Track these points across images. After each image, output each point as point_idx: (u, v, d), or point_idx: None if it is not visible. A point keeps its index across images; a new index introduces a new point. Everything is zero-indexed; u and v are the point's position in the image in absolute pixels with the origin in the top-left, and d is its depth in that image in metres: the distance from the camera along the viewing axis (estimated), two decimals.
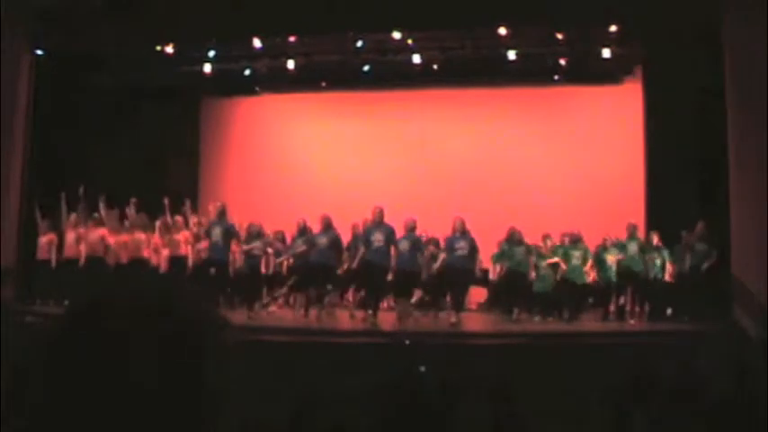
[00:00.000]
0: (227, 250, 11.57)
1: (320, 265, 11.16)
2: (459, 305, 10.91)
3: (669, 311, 11.11)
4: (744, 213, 10.24)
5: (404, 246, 10.73)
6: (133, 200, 12.37)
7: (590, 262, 11.53)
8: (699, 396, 4.42)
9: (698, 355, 7.55)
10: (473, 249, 10.84)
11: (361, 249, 10.90)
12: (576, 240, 11.67)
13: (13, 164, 12.26)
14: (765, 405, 3.93)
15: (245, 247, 11.69)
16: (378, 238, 10.60)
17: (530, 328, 10.71)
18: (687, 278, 11.24)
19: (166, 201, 12.22)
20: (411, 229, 10.92)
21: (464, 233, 10.88)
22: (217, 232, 11.40)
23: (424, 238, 11.53)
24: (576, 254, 11.55)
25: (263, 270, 12.05)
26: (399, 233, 11.04)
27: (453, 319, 10.57)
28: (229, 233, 11.44)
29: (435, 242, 11.77)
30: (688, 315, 10.91)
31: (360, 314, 11.24)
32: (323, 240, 11.14)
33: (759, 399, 4.07)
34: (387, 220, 11.12)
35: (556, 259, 11.60)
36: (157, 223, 12.20)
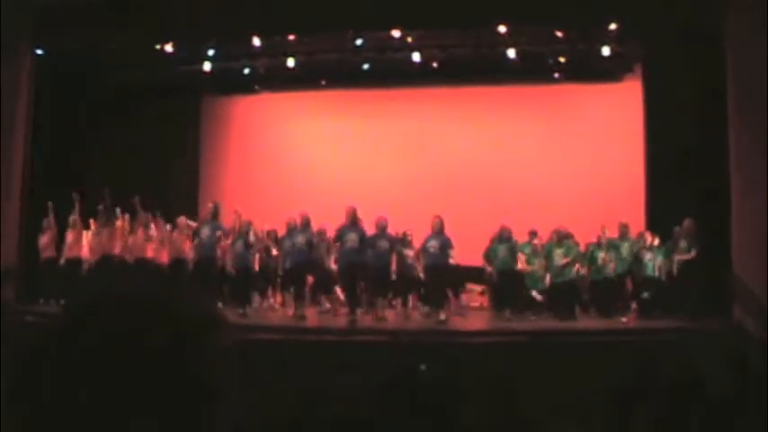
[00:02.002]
0: (215, 249, 11.65)
1: (301, 264, 11.26)
2: (438, 301, 11.09)
3: (674, 312, 11.08)
4: (744, 212, 10.24)
5: (383, 245, 10.90)
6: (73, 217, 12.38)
7: (578, 259, 11.57)
8: (699, 395, 4.42)
9: (698, 354, 7.55)
10: (444, 247, 10.95)
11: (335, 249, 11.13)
12: (562, 237, 11.67)
13: (14, 163, 12.26)
14: (765, 405, 3.93)
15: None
16: (352, 238, 10.72)
17: (530, 327, 10.72)
18: (676, 276, 11.26)
19: (136, 199, 12.14)
20: (383, 228, 11.04)
21: (440, 233, 10.99)
22: (206, 231, 11.52)
23: (409, 236, 11.68)
24: (559, 251, 11.56)
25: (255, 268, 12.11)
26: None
27: (442, 317, 10.81)
28: (217, 233, 11.56)
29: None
30: (681, 312, 10.93)
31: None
32: (300, 239, 11.21)
33: (759, 398, 4.07)
34: (387, 218, 11.17)
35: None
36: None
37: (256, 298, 12.66)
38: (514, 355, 8.43)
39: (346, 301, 11.20)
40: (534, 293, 11.85)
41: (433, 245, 10.96)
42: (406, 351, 8.47)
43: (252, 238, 11.90)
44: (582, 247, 11.92)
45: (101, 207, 12.27)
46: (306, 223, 11.32)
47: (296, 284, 11.42)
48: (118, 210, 12.33)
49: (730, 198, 10.53)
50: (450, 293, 12.07)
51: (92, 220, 12.50)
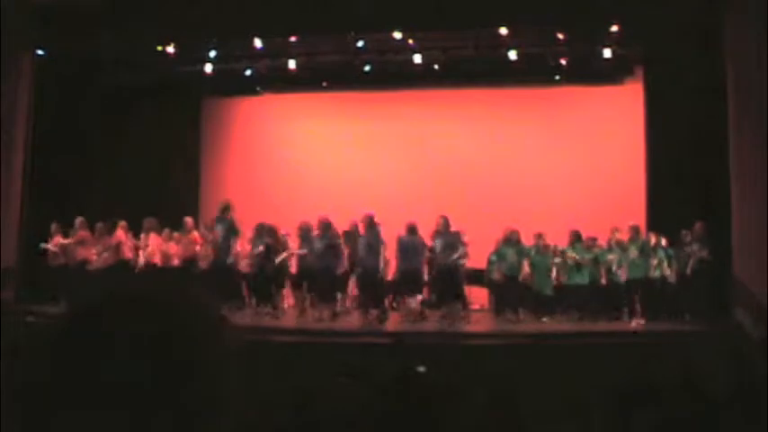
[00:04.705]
0: (230, 249, 11.64)
1: (319, 269, 11.21)
2: (450, 300, 10.99)
3: (681, 314, 11.09)
4: (744, 213, 10.24)
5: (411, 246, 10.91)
6: (79, 219, 12.45)
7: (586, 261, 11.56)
8: (700, 396, 4.42)
9: (699, 356, 7.55)
10: (448, 246, 10.90)
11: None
12: (573, 241, 11.67)
13: (14, 164, 12.26)
14: (766, 405, 3.93)
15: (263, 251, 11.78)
16: (362, 243, 10.75)
17: (531, 329, 10.72)
18: (685, 278, 11.26)
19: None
20: (413, 231, 11.00)
21: (446, 231, 10.95)
22: (219, 230, 11.50)
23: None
24: (570, 254, 11.57)
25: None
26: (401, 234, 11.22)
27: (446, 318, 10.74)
28: (231, 231, 11.53)
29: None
30: (687, 315, 10.94)
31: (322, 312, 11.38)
32: (320, 245, 11.17)
33: (760, 399, 4.07)
34: (387, 219, 11.16)
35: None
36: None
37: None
38: (517, 357, 8.43)
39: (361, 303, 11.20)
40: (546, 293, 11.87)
41: (439, 245, 10.92)
42: (408, 353, 8.47)
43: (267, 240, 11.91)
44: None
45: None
46: (326, 228, 11.29)
47: (322, 286, 11.39)
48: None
49: (730, 199, 10.53)
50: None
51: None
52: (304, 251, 11.53)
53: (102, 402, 0.85)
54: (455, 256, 11.08)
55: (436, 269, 11.09)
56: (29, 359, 0.92)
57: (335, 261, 11.32)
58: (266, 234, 11.81)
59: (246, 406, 0.99)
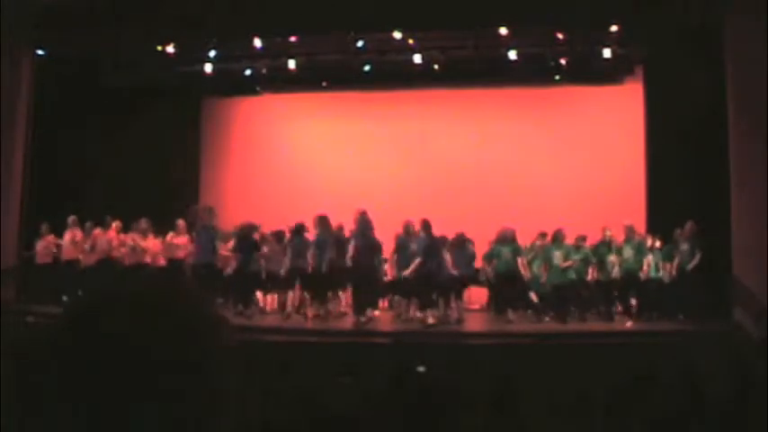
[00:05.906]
0: (215, 253, 11.62)
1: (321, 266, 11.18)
2: (425, 305, 10.84)
3: (673, 314, 11.11)
4: (744, 213, 10.24)
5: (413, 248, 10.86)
6: (71, 218, 12.46)
7: (570, 261, 11.53)
8: (699, 396, 4.42)
9: (698, 356, 7.55)
10: (429, 251, 10.78)
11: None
12: (557, 239, 11.65)
13: (14, 164, 12.27)
14: (765, 405, 3.93)
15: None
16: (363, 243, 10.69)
17: (530, 329, 10.71)
18: (677, 278, 11.27)
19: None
20: (411, 231, 10.97)
21: (429, 236, 10.88)
22: (203, 236, 11.51)
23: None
24: (557, 253, 11.54)
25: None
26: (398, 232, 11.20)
27: (430, 320, 10.57)
28: (216, 235, 11.57)
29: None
30: (682, 314, 10.94)
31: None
32: (329, 240, 11.17)
33: (759, 399, 4.07)
34: (387, 219, 11.14)
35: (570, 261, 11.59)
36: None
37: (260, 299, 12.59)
38: (516, 357, 8.42)
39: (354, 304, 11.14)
40: (532, 295, 11.84)
41: (420, 249, 10.81)
42: (407, 353, 8.47)
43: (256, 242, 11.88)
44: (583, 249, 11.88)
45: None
46: (325, 225, 11.27)
47: (321, 286, 11.37)
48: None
49: (730, 200, 10.53)
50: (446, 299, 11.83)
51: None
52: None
53: (101, 402, 0.85)
54: (438, 262, 10.99)
55: (417, 274, 10.84)
56: (29, 359, 0.92)
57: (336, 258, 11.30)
58: (246, 234, 11.82)
59: (246, 406, 0.99)
